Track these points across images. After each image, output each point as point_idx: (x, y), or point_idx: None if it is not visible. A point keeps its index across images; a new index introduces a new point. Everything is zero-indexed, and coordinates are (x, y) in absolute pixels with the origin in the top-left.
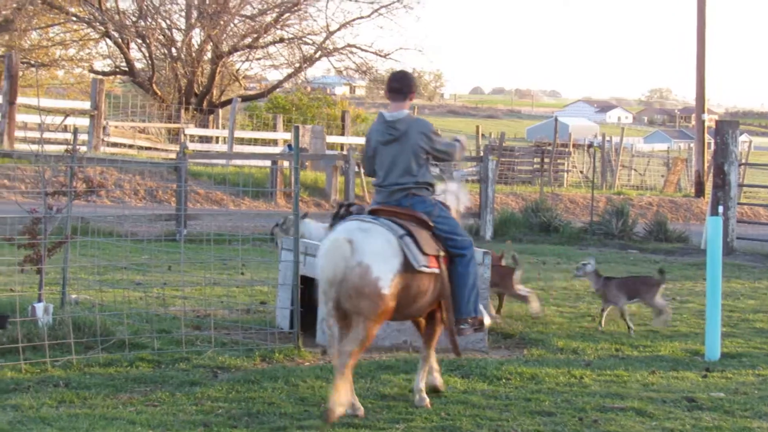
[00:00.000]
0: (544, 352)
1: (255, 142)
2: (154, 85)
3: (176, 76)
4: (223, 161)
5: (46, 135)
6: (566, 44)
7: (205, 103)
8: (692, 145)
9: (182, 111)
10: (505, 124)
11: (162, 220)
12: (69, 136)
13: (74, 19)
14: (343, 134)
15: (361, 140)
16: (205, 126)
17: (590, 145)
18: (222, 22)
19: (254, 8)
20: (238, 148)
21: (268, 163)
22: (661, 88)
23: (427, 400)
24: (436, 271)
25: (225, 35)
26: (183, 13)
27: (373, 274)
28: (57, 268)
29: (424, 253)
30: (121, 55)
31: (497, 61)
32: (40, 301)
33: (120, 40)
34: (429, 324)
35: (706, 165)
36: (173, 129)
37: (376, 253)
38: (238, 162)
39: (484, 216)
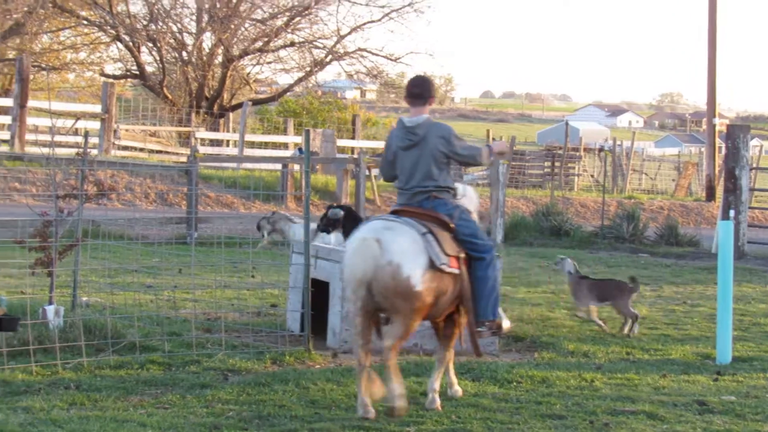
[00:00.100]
0: (554, 355)
1: (265, 145)
2: (164, 89)
3: (187, 80)
4: (233, 164)
5: (57, 138)
6: (577, 48)
7: (215, 107)
8: (703, 149)
9: (193, 114)
10: (515, 128)
11: (173, 223)
12: (80, 139)
13: (85, 22)
14: (353, 138)
15: (372, 144)
16: (215, 129)
17: (601, 149)
18: (233, 26)
19: (265, 12)
20: (248, 152)
21: (278, 166)
22: (672, 93)
23: (439, 401)
24: (456, 271)
25: (236, 39)
26: (194, 17)
27: (404, 273)
28: (68, 270)
29: (446, 253)
30: (132, 59)
31: (508, 65)
32: (51, 303)
33: (131, 43)
34: (447, 326)
35: (717, 169)
36: (184, 132)
37: (405, 251)
38: (249, 165)
39: (495, 220)
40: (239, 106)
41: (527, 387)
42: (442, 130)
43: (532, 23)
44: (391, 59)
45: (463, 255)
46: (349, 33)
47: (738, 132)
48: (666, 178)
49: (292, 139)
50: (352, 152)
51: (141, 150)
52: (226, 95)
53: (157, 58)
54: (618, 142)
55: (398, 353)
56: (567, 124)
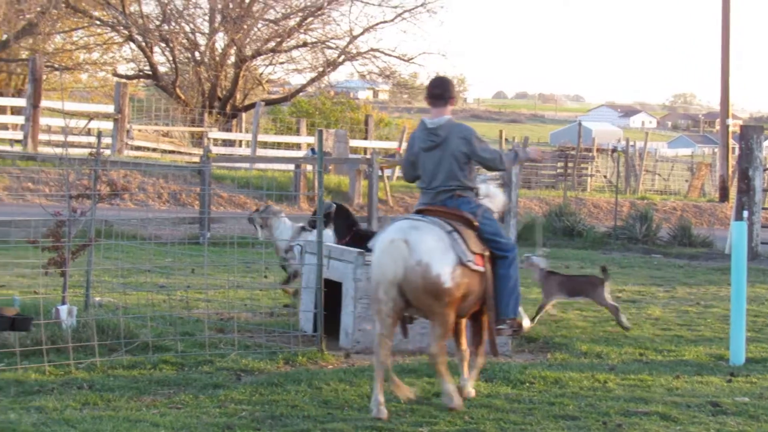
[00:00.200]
0: (567, 356)
1: (278, 145)
2: (177, 89)
3: (200, 80)
4: (246, 165)
5: (70, 138)
6: (589, 49)
7: (228, 107)
8: (716, 149)
9: (205, 115)
10: (528, 129)
11: (185, 223)
12: (93, 139)
13: (98, 22)
14: (366, 138)
15: (384, 144)
16: (228, 130)
17: (614, 150)
18: (245, 27)
19: (278, 12)
20: (261, 152)
21: (291, 166)
22: (685, 93)
23: (461, 401)
24: (481, 269)
25: (248, 39)
26: (206, 17)
27: (434, 272)
28: (81, 270)
29: (471, 251)
30: (145, 59)
31: (520, 66)
32: (64, 303)
33: (143, 43)
34: (474, 325)
35: (730, 170)
36: (197, 133)
37: (432, 250)
38: (262, 166)
39: (508, 220)
40: (252, 106)
41: (540, 388)
42: (464, 131)
43: (544, 24)
44: (403, 60)
45: (487, 253)
46: (362, 33)
47: (751, 132)
48: (679, 178)
49: (305, 139)
50: (365, 152)
51: (154, 150)
52: (238, 95)
53: (170, 58)
54: (631, 143)
55: (446, 353)
56: (580, 124)
